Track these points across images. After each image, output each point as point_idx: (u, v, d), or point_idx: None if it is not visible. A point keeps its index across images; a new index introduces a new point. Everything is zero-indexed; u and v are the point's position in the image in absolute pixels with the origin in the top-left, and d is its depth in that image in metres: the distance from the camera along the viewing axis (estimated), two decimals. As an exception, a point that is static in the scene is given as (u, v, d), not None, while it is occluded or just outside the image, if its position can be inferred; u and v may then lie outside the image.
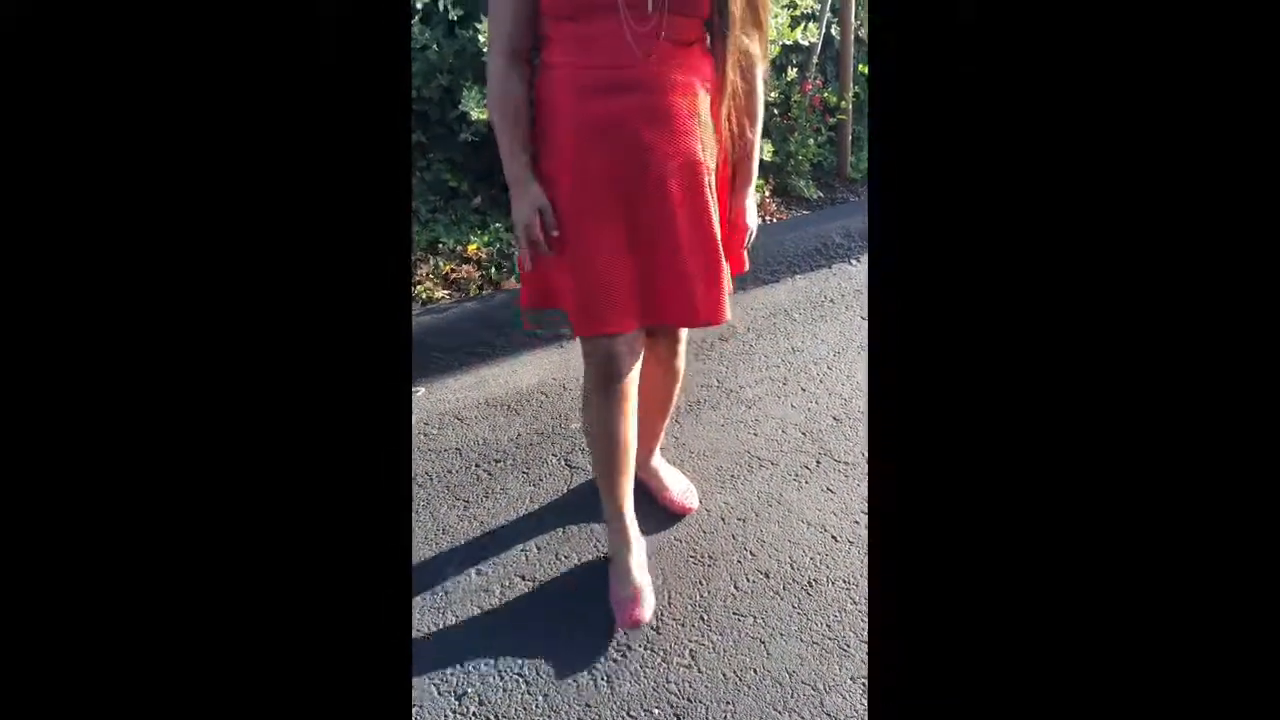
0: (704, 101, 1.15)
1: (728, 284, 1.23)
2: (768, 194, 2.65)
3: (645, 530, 1.47)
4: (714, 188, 1.19)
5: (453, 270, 2.16)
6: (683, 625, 1.30)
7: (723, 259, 1.20)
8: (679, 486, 1.54)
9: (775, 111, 2.62)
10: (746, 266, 1.34)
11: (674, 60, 1.11)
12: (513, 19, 1.12)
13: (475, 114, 1.93)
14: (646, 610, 1.30)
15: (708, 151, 1.16)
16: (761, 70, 1.24)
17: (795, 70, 2.57)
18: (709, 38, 1.16)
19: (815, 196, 2.73)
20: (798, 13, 2.31)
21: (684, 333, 1.38)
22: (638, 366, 1.26)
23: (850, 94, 2.74)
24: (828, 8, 2.55)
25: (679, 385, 1.44)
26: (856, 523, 1.49)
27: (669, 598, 1.35)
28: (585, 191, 1.14)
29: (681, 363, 1.41)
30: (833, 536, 1.47)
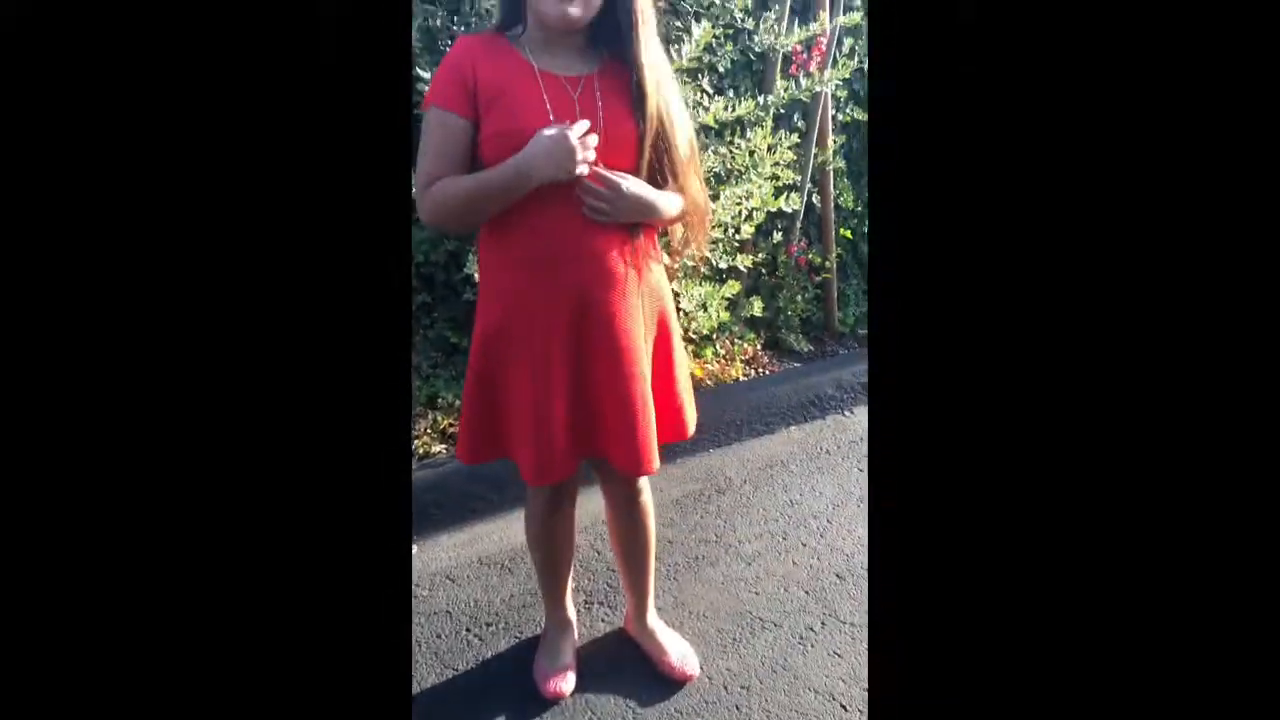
0: (648, 256, 1.20)
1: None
2: (759, 347, 2.73)
3: (643, 701, 1.39)
4: (650, 343, 1.23)
5: (450, 425, 2.18)
6: (685, 811, 1.20)
7: (651, 410, 1.20)
8: (678, 651, 1.47)
9: (763, 270, 2.76)
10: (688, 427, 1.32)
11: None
12: (446, 161, 1.10)
13: (479, 275, 2.04)
14: (568, 686, 1.40)
15: (648, 309, 1.21)
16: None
17: (780, 234, 2.74)
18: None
19: (806, 350, 2.81)
20: (780, 184, 2.49)
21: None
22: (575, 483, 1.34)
23: (834, 255, 2.90)
24: (808, 179, 2.76)
25: (651, 522, 1.41)
26: (865, 690, 1.41)
27: (669, 779, 1.25)
28: (531, 352, 1.16)
29: (647, 499, 1.39)
30: (842, 705, 1.38)
